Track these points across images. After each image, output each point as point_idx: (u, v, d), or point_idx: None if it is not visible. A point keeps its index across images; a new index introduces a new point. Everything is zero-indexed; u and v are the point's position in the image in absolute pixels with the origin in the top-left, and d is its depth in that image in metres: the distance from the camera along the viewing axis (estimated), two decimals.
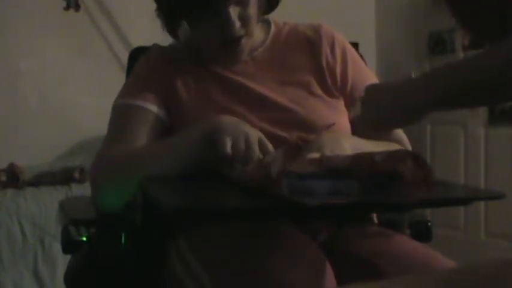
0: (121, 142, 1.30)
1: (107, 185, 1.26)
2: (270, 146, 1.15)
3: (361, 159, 0.96)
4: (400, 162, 0.92)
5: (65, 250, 1.33)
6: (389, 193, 0.93)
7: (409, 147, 1.38)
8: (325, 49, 1.38)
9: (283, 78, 1.35)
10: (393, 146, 1.32)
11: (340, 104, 1.36)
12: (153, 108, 1.32)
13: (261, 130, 1.22)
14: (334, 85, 1.36)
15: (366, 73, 1.41)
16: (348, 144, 1.21)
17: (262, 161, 1.08)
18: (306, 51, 1.39)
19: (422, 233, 1.40)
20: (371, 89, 1.14)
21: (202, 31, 1.31)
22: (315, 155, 1.10)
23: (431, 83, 1.00)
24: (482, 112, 3.37)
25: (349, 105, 1.36)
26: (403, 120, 1.09)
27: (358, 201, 0.92)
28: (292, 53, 1.39)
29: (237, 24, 1.28)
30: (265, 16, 1.42)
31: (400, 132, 1.41)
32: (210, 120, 1.20)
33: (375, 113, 1.11)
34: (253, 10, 1.30)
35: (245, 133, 1.14)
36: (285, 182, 0.90)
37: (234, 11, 1.27)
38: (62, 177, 2.90)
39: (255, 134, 1.16)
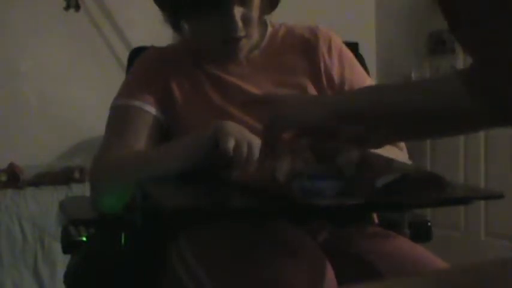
0: (120, 143, 1.30)
1: (108, 187, 1.26)
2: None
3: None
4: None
5: (65, 250, 1.34)
6: (391, 193, 0.93)
7: (405, 150, 1.38)
8: (322, 51, 1.38)
9: (278, 80, 1.35)
10: (390, 150, 1.32)
11: None
12: (152, 109, 1.32)
13: (256, 132, 1.22)
14: (330, 87, 1.36)
15: (362, 75, 1.41)
16: None
17: (266, 163, 1.08)
18: (302, 53, 1.38)
19: (422, 233, 1.40)
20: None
21: (203, 29, 1.31)
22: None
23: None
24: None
25: None
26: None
27: (369, 202, 0.92)
28: (288, 54, 1.39)
29: (240, 24, 1.28)
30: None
31: None
32: (215, 124, 1.20)
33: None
34: (255, 12, 1.30)
35: (248, 138, 1.15)
36: (295, 183, 0.89)
37: (237, 12, 1.27)
38: (62, 177, 2.90)
39: (257, 141, 1.16)
